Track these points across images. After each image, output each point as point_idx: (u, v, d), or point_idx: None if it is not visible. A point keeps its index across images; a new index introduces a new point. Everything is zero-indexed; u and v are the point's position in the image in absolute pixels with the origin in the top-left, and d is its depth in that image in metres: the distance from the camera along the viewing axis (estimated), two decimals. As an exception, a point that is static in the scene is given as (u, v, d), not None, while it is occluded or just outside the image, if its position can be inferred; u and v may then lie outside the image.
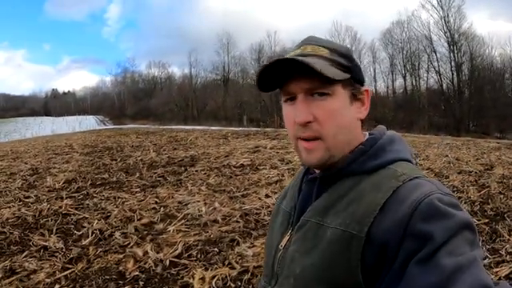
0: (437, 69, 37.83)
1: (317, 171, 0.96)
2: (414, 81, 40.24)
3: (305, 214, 0.92)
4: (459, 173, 6.55)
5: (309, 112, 0.87)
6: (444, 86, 37.85)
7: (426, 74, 39.46)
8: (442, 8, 36.15)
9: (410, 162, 0.92)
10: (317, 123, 0.87)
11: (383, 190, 0.81)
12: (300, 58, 0.85)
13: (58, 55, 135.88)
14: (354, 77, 0.92)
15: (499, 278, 3.13)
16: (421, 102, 38.37)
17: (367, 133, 0.98)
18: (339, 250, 0.80)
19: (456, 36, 36.06)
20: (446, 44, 36.83)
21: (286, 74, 0.89)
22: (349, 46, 43.03)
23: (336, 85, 0.87)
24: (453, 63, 36.37)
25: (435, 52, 37.79)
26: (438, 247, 0.69)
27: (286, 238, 0.96)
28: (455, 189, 5.54)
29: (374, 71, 43.79)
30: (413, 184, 0.81)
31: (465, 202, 4.95)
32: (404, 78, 41.02)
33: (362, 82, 0.95)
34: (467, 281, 0.66)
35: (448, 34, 36.31)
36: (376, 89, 42.67)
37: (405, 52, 40.20)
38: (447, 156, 8.13)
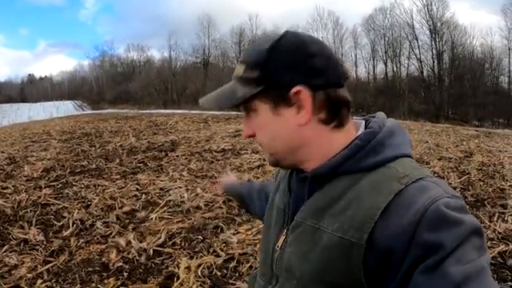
0: (418, 56, 38.11)
1: (306, 170, 0.89)
2: (394, 67, 40.25)
3: (298, 214, 0.88)
4: (439, 159, 6.68)
5: (249, 127, 0.90)
6: (425, 73, 38.23)
7: (407, 61, 39.55)
8: (426, -4, 36.32)
9: (410, 156, 0.86)
10: (256, 136, 0.90)
11: (384, 193, 0.75)
12: (204, 98, 0.93)
13: (34, 40, 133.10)
14: (273, 84, 0.82)
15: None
16: (401, 88, 38.32)
17: (363, 121, 0.90)
18: (338, 257, 0.76)
19: (438, 24, 36.33)
20: (428, 32, 37.12)
21: None
22: (331, 30, 42.95)
23: (253, 101, 0.85)
24: (434, 51, 36.74)
25: (417, 39, 38.01)
26: (445, 256, 0.66)
27: (282, 238, 0.92)
28: (436, 175, 5.62)
29: (356, 57, 43.80)
30: (417, 187, 0.75)
31: (445, 189, 5.02)
32: (385, 64, 41.04)
33: (288, 85, 0.81)
34: None
35: (430, 22, 36.53)
36: (357, 74, 42.82)
37: (386, 38, 40.17)
38: (427, 142, 8.28)
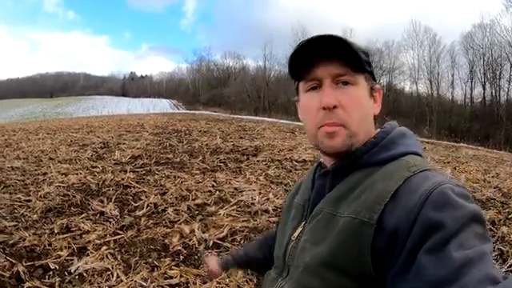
0: (518, 80, 33.86)
1: (328, 165, 0.97)
2: (493, 91, 36.23)
3: (318, 205, 0.93)
4: (531, 198, 6.02)
5: (335, 97, 0.88)
6: (526, 99, 34.01)
7: (507, 85, 35.22)
8: (528, 13, 32.52)
9: (420, 156, 0.93)
10: (342, 109, 0.89)
11: (395, 179, 0.81)
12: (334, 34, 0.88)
13: (137, 43, 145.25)
14: (373, 74, 0.96)
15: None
16: (499, 114, 34.19)
17: (379, 129, 0.99)
18: (349, 237, 0.80)
19: (542, 45, 32.17)
20: (529, 53, 32.90)
21: (313, 59, 0.90)
22: (427, 48, 40.14)
23: (360, 75, 0.91)
24: (537, 75, 32.50)
25: (517, 61, 33.83)
26: (448, 238, 0.69)
27: (299, 229, 0.97)
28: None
29: (453, 77, 39.84)
30: (424, 175, 0.81)
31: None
32: (483, 86, 37.06)
33: (375, 81, 0.98)
34: (476, 275, 0.65)
35: (533, 41, 32.32)
36: (453, 96, 39.51)
37: (486, 58, 36.24)
38: (520, 177, 7.52)
